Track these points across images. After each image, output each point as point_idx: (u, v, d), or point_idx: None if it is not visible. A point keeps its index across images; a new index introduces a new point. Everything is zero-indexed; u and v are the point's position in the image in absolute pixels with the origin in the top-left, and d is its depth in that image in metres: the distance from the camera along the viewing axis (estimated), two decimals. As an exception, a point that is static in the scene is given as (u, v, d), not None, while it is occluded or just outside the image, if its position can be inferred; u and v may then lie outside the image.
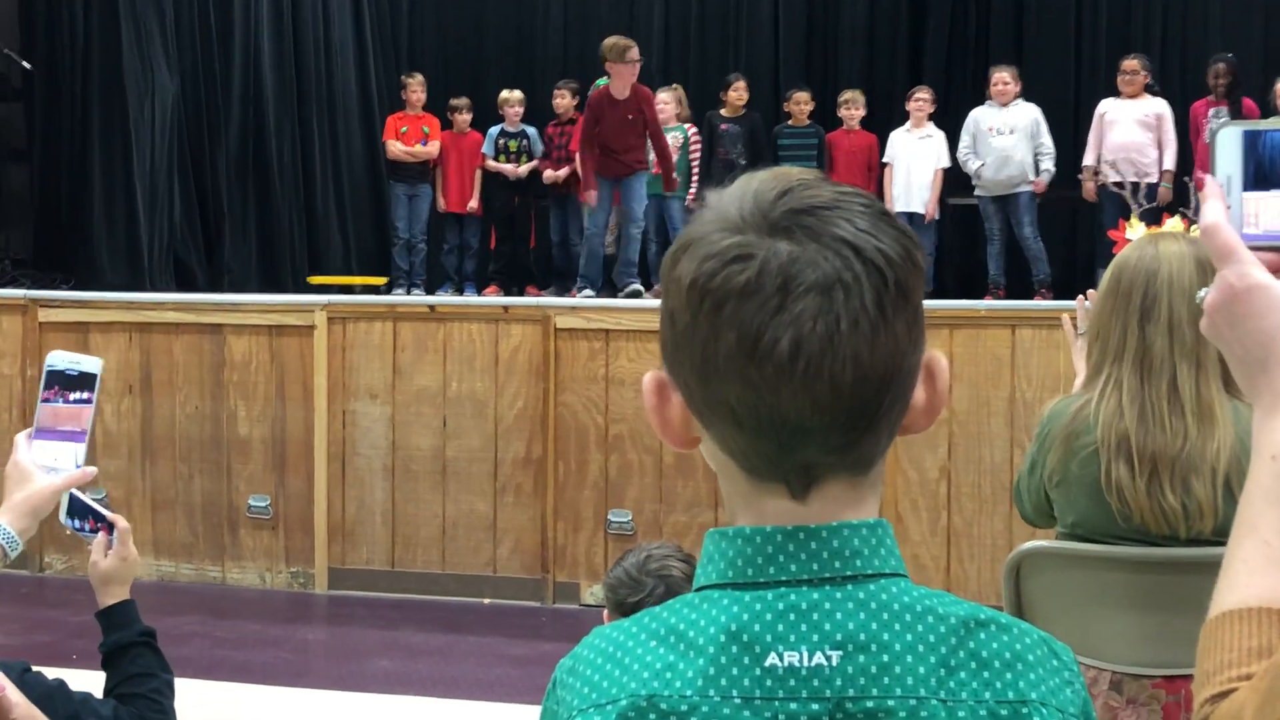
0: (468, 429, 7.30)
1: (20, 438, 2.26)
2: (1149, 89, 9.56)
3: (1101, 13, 11.11)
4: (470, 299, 9.02)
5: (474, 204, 10.91)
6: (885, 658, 1.04)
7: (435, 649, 6.56)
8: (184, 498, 7.58)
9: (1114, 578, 2.82)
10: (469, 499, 7.32)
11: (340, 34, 11.71)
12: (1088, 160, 9.54)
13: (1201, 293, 1.22)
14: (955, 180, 10.06)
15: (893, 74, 11.36)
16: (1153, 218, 7.77)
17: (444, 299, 8.65)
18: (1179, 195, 8.64)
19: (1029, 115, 9.77)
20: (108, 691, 2.53)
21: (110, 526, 2.54)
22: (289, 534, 7.52)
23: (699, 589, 1.10)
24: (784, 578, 1.06)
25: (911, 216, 9.81)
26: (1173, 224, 6.33)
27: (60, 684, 2.43)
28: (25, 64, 10.32)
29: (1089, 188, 9.39)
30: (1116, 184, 8.73)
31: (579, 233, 10.64)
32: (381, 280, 10.66)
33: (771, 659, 1.04)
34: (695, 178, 10.22)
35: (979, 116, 9.85)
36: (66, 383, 2.28)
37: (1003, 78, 9.88)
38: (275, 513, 7.51)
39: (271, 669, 6.24)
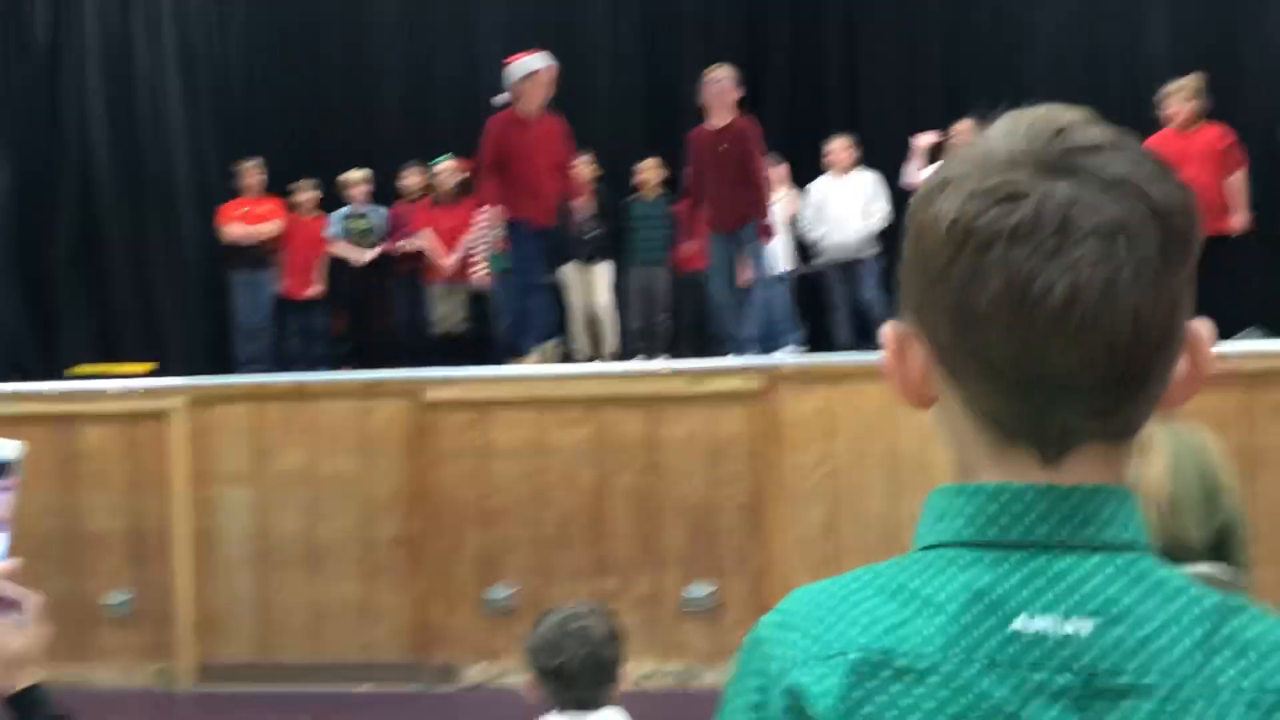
0: (337, 510, 7.09)
1: None
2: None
3: (934, 79, 11.44)
4: (337, 375, 8.79)
5: (319, 288, 10.72)
6: (1143, 632, 0.96)
7: (315, 740, 6.33)
8: (36, 598, 7.21)
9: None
10: (341, 583, 7.09)
11: (174, 121, 11.46)
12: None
13: None
14: (801, 248, 10.21)
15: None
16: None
17: (310, 376, 8.42)
18: None
19: (865, 182, 10.01)
20: None
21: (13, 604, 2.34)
22: (151, 630, 7.20)
23: (927, 547, 1.02)
24: (1031, 540, 0.99)
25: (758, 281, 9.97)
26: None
27: None
28: None
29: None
30: None
31: (428, 313, 10.53)
32: (146, 367, 10.19)
33: (1019, 623, 0.97)
34: None
35: (818, 187, 10.06)
36: None
37: (839, 145, 10.13)
38: (136, 608, 7.19)
39: (145, 771, 5.94)
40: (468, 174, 10.45)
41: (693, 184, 8.32)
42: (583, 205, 9.10)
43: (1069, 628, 0.97)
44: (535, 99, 8.11)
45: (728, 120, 8.13)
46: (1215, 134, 8.88)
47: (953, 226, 0.98)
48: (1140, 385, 0.98)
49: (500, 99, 8.20)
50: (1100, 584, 0.98)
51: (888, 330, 1.05)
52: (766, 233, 8.57)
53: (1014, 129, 1.00)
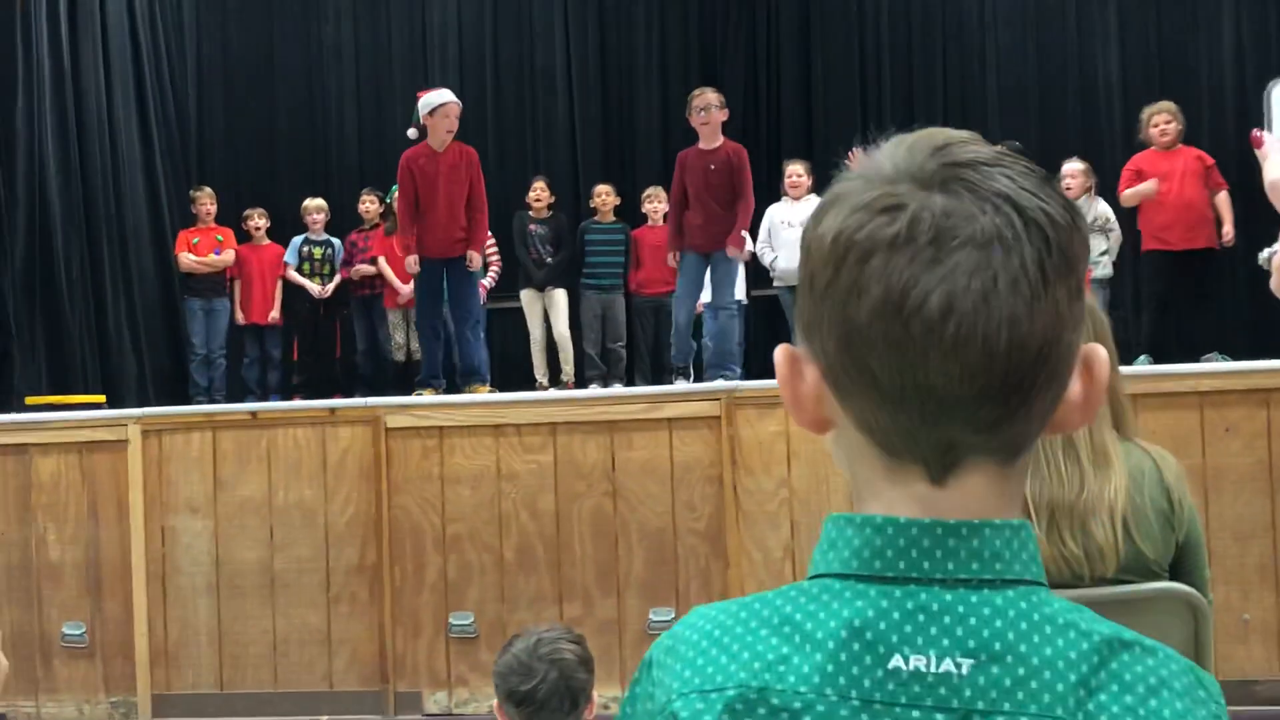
0: (296, 539, 7.05)
1: None
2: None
3: (889, 106, 11.54)
4: (294, 403, 8.76)
5: (275, 315, 10.71)
6: (1021, 670, 0.96)
7: (278, 770, 6.28)
8: (-9, 630, 7.13)
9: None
10: (300, 612, 7.05)
11: (127, 149, 11.40)
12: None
13: (1265, 253, 1.21)
14: (757, 273, 10.26)
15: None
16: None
17: (265, 405, 8.39)
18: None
19: (820, 208, 10.08)
20: None
21: None
22: (108, 661, 7.13)
23: (816, 576, 1.02)
24: (915, 575, 0.98)
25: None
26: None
27: None
28: None
29: None
30: None
31: (386, 339, 10.52)
32: (100, 398, 10.13)
33: (895, 661, 0.97)
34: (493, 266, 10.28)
35: (773, 211, 10.10)
36: None
37: (795, 171, 10.18)
38: (92, 640, 7.12)
39: (103, 804, 5.88)
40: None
41: (675, 203, 8.33)
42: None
43: (946, 665, 0.96)
44: (440, 132, 8.17)
45: (717, 143, 8.16)
46: (1197, 154, 9.07)
47: (836, 239, 0.99)
48: (1022, 400, 0.98)
49: (413, 133, 8.29)
50: (981, 621, 0.97)
51: (779, 353, 1.05)
52: (744, 251, 8.69)
53: (897, 148, 1.02)
